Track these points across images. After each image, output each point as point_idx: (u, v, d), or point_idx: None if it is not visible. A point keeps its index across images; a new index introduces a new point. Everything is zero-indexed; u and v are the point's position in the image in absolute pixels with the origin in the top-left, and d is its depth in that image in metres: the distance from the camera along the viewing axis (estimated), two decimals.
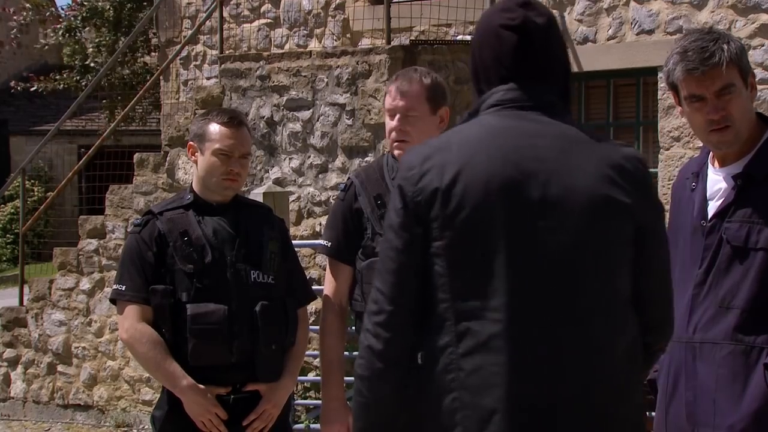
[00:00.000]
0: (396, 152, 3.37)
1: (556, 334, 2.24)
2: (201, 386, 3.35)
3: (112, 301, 3.51)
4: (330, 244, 3.46)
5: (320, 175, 8.02)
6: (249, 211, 3.58)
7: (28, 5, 15.63)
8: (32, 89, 15.23)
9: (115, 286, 3.47)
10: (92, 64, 13.92)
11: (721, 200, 2.86)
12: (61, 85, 14.83)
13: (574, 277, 2.25)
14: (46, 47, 16.82)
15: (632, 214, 2.28)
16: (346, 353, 3.88)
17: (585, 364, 2.25)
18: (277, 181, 8.02)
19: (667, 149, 7.46)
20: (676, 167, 7.40)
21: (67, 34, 14.67)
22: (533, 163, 2.26)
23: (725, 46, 2.79)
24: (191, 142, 3.53)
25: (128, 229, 3.56)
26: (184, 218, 3.45)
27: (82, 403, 9.15)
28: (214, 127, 3.47)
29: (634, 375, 2.34)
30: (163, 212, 3.47)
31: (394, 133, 3.35)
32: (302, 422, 6.82)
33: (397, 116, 3.34)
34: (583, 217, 2.25)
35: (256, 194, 7.23)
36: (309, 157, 8.06)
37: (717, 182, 2.90)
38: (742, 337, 2.77)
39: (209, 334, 3.34)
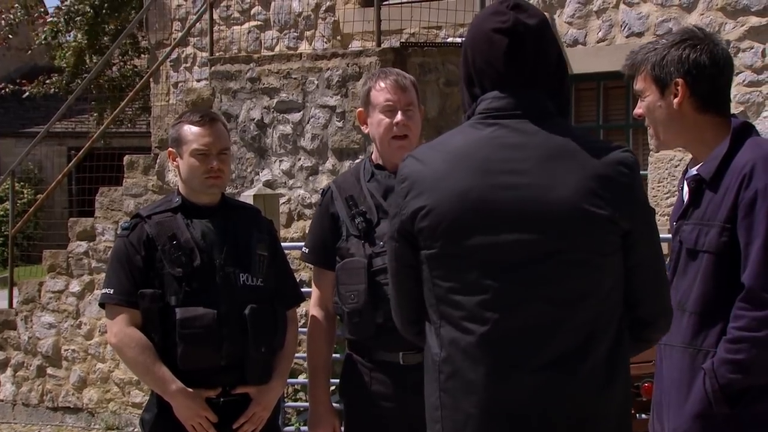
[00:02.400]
0: (397, 147, 3.34)
1: (531, 343, 2.28)
2: (190, 390, 3.34)
3: (101, 305, 3.49)
4: (308, 250, 3.50)
5: (310, 178, 8.01)
6: (237, 213, 3.56)
7: (17, 5, 15.55)
8: (24, 96, 15.18)
9: (103, 290, 3.45)
10: (64, 65, 13.85)
11: (685, 202, 2.92)
12: (52, 89, 14.79)
13: (547, 288, 2.28)
14: (31, 50, 16.75)
15: (615, 223, 2.29)
16: (335, 355, 3.89)
17: (562, 371, 2.28)
18: (268, 184, 8.01)
19: (657, 151, 7.47)
20: (666, 169, 7.41)
21: (51, 38, 14.63)
22: (509, 176, 2.28)
23: (640, 56, 2.91)
24: (170, 149, 3.52)
25: (117, 233, 3.53)
26: (173, 221, 3.43)
27: (71, 406, 9.13)
28: (188, 128, 3.45)
29: (616, 376, 2.36)
30: (152, 215, 3.45)
31: (396, 128, 3.35)
32: (292, 424, 6.82)
33: (399, 111, 3.34)
34: (557, 230, 2.27)
35: (247, 196, 7.21)
36: (299, 159, 8.05)
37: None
38: (692, 341, 2.80)
39: (198, 338, 3.32)
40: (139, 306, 3.37)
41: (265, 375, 3.46)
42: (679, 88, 2.85)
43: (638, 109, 2.96)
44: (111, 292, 3.40)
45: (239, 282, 3.42)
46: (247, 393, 3.43)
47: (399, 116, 3.34)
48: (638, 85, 2.94)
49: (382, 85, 3.38)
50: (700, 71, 2.84)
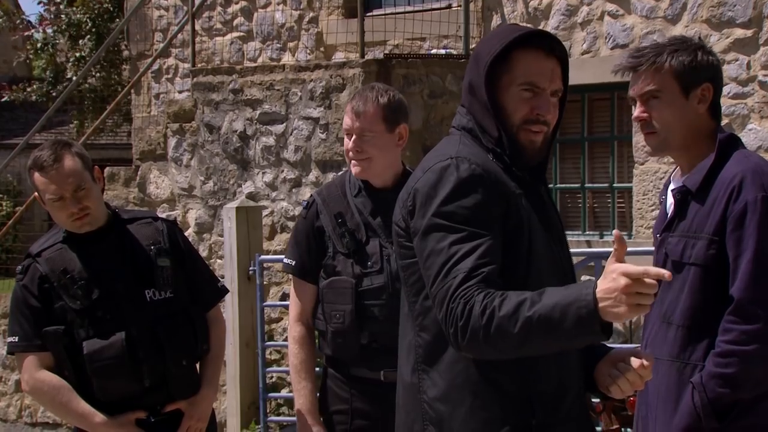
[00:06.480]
0: (354, 170, 3.36)
1: None
2: (116, 419, 3.25)
3: (11, 353, 3.37)
4: (293, 263, 3.45)
5: (294, 190, 7.95)
6: (131, 227, 3.41)
7: None
8: (3, 99, 15.02)
9: (9, 339, 3.34)
10: (70, 74, 13.72)
11: (670, 214, 2.89)
12: (33, 96, 14.65)
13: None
14: (16, 62, 16.61)
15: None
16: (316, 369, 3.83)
17: None
18: (250, 196, 7.94)
19: (642, 164, 7.45)
20: (651, 182, 7.38)
21: (41, 50, 14.48)
22: None
23: (664, 55, 2.81)
24: (36, 193, 3.35)
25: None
26: (64, 254, 3.30)
27: (50, 422, 9.03)
28: (36, 177, 3.26)
29: None
30: (41, 252, 3.32)
31: (350, 153, 3.36)
32: None
33: (353, 137, 3.33)
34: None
35: (229, 208, 7.14)
36: (282, 171, 7.99)
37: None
38: (679, 354, 2.79)
39: (110, 370, 3.23)
40: (47, 346, 3.27)
41: (192, 387, 3.39)
42: (707, 93, 2.81)
43: (641, 113, 2.88)
44: (16, 340, 3.30)
45: (146, 299, 3.30)
46: (179, 408, 3.35)
47: (351, 143, 3.35)
48: (650, 84, 2.84)
49: (348, 107, 3.39)
50: (721, 79, 2.83)
